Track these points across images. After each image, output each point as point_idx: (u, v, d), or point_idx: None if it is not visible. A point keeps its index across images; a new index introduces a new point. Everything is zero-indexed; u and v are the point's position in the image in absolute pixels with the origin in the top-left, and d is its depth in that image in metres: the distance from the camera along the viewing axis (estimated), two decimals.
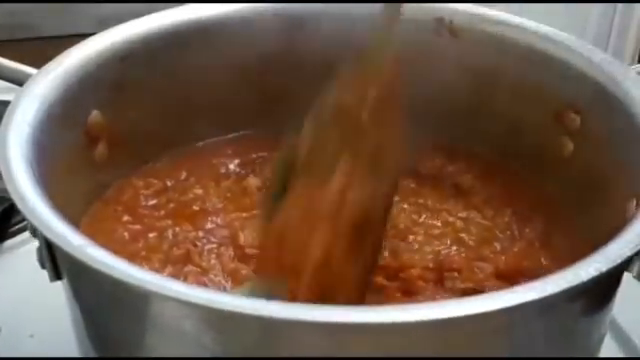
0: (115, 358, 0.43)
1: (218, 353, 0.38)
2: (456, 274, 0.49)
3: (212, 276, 0.49)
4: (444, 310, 0.35)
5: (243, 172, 0.58)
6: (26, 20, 0.73)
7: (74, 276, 0.43)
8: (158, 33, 0.56)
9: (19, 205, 0.40)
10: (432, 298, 0.48)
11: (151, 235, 0.52)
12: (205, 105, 0.58)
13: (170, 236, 0.51)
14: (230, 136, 0.60)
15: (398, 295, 0.48)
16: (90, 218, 0.52)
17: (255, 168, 0.58)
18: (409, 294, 0.49)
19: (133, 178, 0.55)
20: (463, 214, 0.54)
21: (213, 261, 0.50)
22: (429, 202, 0.55)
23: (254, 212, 0.53)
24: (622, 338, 0.57)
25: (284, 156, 0.45)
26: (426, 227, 0.53)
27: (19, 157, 0.43)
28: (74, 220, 0.44)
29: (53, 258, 0.43)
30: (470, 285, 0.49)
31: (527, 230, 0.53)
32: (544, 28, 0.56)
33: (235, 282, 0.48)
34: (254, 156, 0.59)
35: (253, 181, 0.56)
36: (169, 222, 0.53)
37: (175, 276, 0.48)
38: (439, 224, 0.53)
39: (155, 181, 0.56)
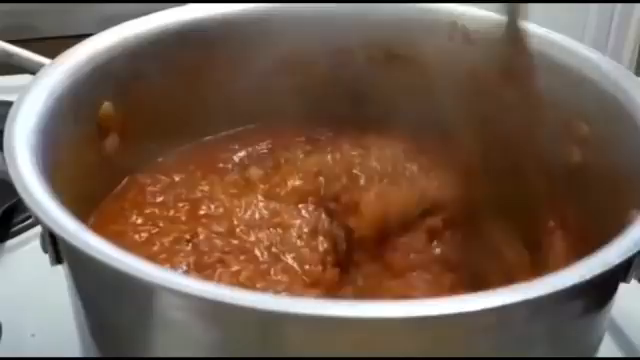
0: (115, 358, 0.43)
1: (216, 345, 0.38)
2: None
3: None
4: (438, 308, 0.36)
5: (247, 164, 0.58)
6: (27, 21, 0.73)
7: (74, 264, 0.43)
8: (172, 29, 0.56)
9: (19, 189, 0.40)
10: None
11: (166, 240, 0.51)
12: (214, 100, 0.59)
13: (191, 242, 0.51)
14: (237, 130, 0.60)
15: None
16: (99, 217, 0.52)
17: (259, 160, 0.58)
18: None
19: (139, 175, 0.56)
20: None
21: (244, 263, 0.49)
22: None
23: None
24: (621, 338, 0.57)
25: None
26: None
27: (24, 146, 0.44)
28: (82, 213, 0.44)
29: (54, 243, 0.43)
30: None
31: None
32: (556, 36, 0.55)
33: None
34: (258, 148, 0.60)
35: (255, 172, 0.57)
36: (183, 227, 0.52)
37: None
38: None
39: (162, 177, 0.56)
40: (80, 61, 0.51)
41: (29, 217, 0.63)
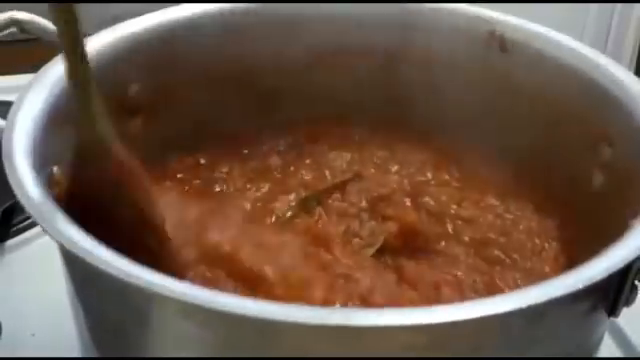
0: (115, 358, 0.43)
1: (215, 349, 0.38)
2: None
3: None
4: (440, 315, 0.36)
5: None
6: None
7: (73, 269, 0.43)
8: (204, 17, 0.57)
9: (16, 193, 0.40)
10: None
11: None
12: (243, 91, 0.59)
13: None
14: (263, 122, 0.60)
15: None
16: None
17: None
18: None
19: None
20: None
21: None
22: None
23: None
24: (622, 338, 0.57)
25: None
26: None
27: (23, 150, 0.43)
28: None
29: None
30: None
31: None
32: (596, 56, 0.54)
33: None
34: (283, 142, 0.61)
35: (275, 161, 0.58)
36: None
37: None
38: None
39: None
40: (107, 44, 0.52)
41: (29, 217, 0.62)
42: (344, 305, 0.45)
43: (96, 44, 0.52)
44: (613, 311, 0.42)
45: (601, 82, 0.52)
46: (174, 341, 0.40)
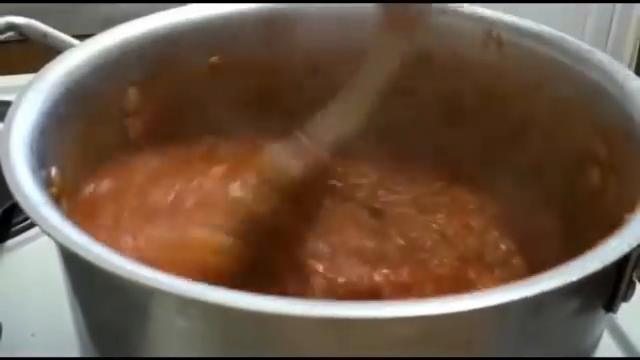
0: (115, 358, 0.43)
1: (215, 345, 0.38)
2: None
3: None
4: (432, 307, 0.35)
5: None
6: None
7: (71, 267, 0.43)
8: (206, 20, 0.57)
9: (14, 194, 0.40)
10: None
11: None
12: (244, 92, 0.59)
13: None
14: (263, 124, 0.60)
15: None
16: None
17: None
18: None
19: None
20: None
21: None
22: None
23: None
24: (621, 338, 0.57)
25: None
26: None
27: (21, 149, 0.43)
28: None
29: None
30: None
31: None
32: (595, 54, 0.53)
33: None
34: None
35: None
36: None
37: None
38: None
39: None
40: (81, 61, 0.51)
41: (28, 217, 0.62)
42: None
43: (97, 45, 0.52)
44: (610, 307, 0.42)
45: (599, 81, 0.52)
46: (172, 337, 0.40)
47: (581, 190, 0.52)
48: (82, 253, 0.37)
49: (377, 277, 0.54)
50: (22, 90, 0.48)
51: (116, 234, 0.52)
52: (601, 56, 0.53)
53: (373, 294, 0.53)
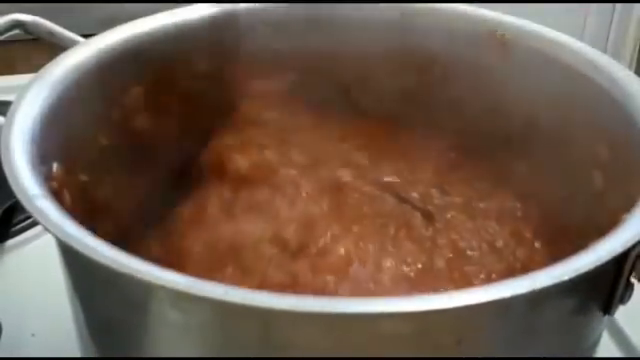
0: (115, 358, 0.43)
1: (216, 344, 0.38)
2: None
3: None
4: (421, 303, 0.35)
5: None
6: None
7: (71, 264, 0.43)
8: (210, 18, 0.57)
9: (16, 191, 0.40)
10: None
11: None
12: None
13: None
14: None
15: None
16: None
17: None
18: None
19: None
20: None
21: None
22: None
23: None
24: (622, 338, 0.57)
25: None
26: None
27: (22, 147, 0.43)
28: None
29: None
30: None
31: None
32: (599, 56, 0.53)
33: None
34: None
35: None
36: None
37: None
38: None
39: None
40: (83, 60, 0.52)
41: (29, 217, 0.62)
42: None
43: (102, 43, 0.53)
44: (608, 309, 0.42)
45: (601, 83, 0.51)
46: (167, 332, 0.40)
47: (583, 193, 0.52)
48: (77, 246, 0.37)
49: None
50: (26, 85, 0.48)
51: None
52: (605, 59, 0.53)
53: None
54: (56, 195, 0.43)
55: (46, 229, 0.38)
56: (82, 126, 0.51)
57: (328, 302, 0.35)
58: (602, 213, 0.48)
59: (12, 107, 0.46)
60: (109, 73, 0.52)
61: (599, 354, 0.46)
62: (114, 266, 0.36)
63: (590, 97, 0.52)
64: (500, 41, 0.56)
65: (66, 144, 0.49)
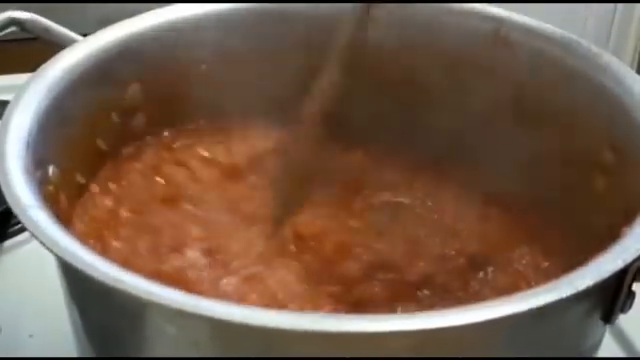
0: (115, 358, 0.43)
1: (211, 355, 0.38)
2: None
3: None
4: (419, 322, 0.35)
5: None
6: None
7: (68, 276, 0.43)
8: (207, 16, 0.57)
9: (9, 201, 0.40)
10: None
11: None
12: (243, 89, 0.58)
13: None
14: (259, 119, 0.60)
15: None
16: None
17: None
18: None
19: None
20: None
21: None
22: None
23: None
24: (622, 338, 0.57)
25: None
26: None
27: (16, 158, 0.43)
28: None
29: None
30: None
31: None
32: (603, 57, 0.53)
33: None
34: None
35: None
36: None
37: None
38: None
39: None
40: (80, 59, 0.51)
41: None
42: None
43: (96, 43, 0.52)
44: (609, 318, 0.42)
45: (607, 84, 0.51)
46: (166, 343, 0.39)
47: (584, 197, 0.52)
48: (70, 259, 0.37)
49: None
50: (22, 87, 0.48)
51: (115, 233, 0.52)
52: (609, 59, 0.52)
53: None
54: (52, 199, 0.43)
55: (39, 241, 0.38)
56: (79, 128, 0.51)
57: (324, 321, 0.35)
58: (602, 216, 0.48)
59: (7, 111, 0.46)
60: (106, 72, 0.52)
61: (600, 354, 0.46)
62: (108, 281, 0.36)
63: (594, 98, 0.52)
64: (504, 40, 0.56)
65: (63, 146, 0.48)
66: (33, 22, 0.55)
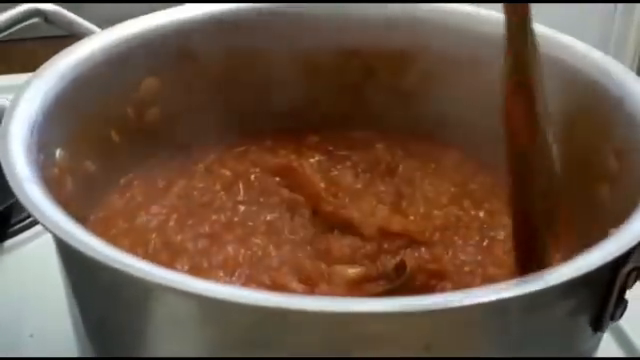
0: (114, 358, 0.43)
1: (215, 344, 0.38)
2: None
3: None
4: (401, 305, 0.35)
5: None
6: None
7: (70, 263, 0.43)
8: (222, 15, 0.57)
9: (14, 189, 0.40)
10: None
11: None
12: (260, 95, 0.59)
13: None
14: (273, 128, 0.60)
15: None
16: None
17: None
18: None
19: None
20: None
21: None
22: None
23: None
24: (622, 338, 0.57)
25: None
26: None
27: (20, 144, 0.43)
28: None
29: None
30: None
31: None
32: (609, 63, 0.52)
33: None
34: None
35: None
36: None
37: None
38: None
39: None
40: (95, 51, 0.52)
41: (27, 217, 0.62)
42: None
43: (113, 35, 0.53)
44: (598, 326, 0.41)
45: (612, 92, 0.51)
46: (173, 337, 0.39)
47: (589, 204, 0.51)
48: (59, 233, 0.37)
49: None
50: (36, 72, 0.48)
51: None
52: (615, 65, 0.52)
53: None
54: (56, 181, 0.43)
55: (29, 212, 0.39)
56: (90, 117, 0.51)
57: (296, 300, 0.36)
58: (605, 219, 0.48)
59: (17, 93, 0.46)
60: (121, 65, 0.53)
61: (599, 354, 0.46)
62: (90, 253, 0.36)
63: (599, 104, 0.52)
64: None
65: (72, 134, 0.49)
66: (56, 14, 0.56)
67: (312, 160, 0.58)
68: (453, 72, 0.58)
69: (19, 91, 0.47)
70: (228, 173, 0.56)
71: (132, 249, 0.48)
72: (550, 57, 0.54)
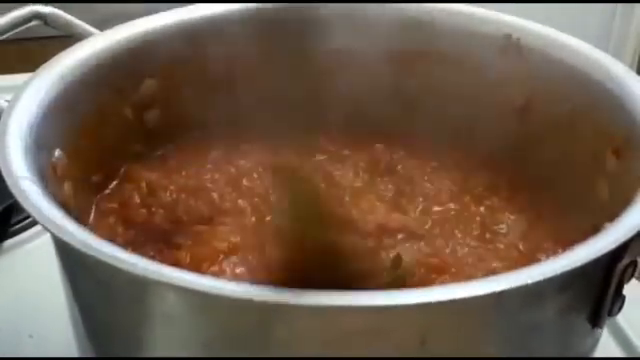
0: (114, 358, 0.43)
1: (213, 342, 0.38)
2: None
3: None
4: (394, 298, 0.35)
5: None
6: None
7: (69, 262, 0.43)
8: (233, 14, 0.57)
9: (12, 190, 0.40)
10: None
11: None
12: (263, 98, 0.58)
13: None
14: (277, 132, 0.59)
15: None
16: None
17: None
18: None
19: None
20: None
21: None
22: None
23: None
24: (622, 338, 0.57)
25: None
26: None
27: (19, 144, 0.43)
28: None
29: None
30: None
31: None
32: (615, 66, 0.52)
33: None
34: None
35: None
36: None
37: None
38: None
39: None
40: (95, 52, 0.52)
41: (27, 217, 0.62)
42: None
43: (116, 35, 0.53)
44: (596, 322, 0.41)
45: (612, 91, 0.51)
46: (171, 335, 0.39)
47: (588, 202, 0.51)
48: (53, 229, 0.38)
49: None
50: (36, 71, 0.48)
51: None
52: (618, 66, 0.52)
53: None
54: (54, 181, 0.43)
55: (26, 210, 0.39)
56: (90, 118, 0.51)
57: (285, 294, 0.35)
58: (603, 217, 0.47)
59: (16, 93, 0.46)
60: (121, 66, 0.53)
61: (600, 354, 0.46)
62: (84, 249, 0.36)
63: (603, 105, 0.51)
64: (516, 46, 0.56)
65: (71, 134, 0.49)
66: (55, 16, 0.56)
67: (312, 160, 0.58)
68: (453, 72, 0.58)
69: (18, 91, 0.47)
70: (232, 169, 0.56)
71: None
72: (550, 57, 0.55)
